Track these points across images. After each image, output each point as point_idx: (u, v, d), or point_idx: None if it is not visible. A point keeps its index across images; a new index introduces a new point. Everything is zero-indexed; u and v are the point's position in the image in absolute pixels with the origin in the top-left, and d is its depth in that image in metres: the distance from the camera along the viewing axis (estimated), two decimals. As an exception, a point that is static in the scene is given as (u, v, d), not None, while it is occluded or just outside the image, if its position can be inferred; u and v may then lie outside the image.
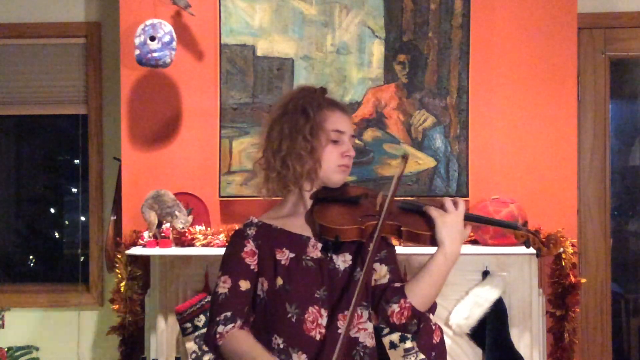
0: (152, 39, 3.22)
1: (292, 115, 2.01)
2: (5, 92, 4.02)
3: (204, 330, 3.18)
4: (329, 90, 2.13)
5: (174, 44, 3.27)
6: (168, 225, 3.25)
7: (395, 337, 3.19)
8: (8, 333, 3.77)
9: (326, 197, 2.03)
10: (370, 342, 2.01)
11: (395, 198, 2.01)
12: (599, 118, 3.83)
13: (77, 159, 4.14)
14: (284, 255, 1.97)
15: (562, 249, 3.27)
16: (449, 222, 1.98)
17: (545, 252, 2.03)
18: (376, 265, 2.05)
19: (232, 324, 1.90)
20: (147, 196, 3.30)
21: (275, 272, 1.96)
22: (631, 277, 4.31)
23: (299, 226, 2.03)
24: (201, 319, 3.22)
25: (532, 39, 3.47)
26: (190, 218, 3.31)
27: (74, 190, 4.30)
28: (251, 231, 2.01)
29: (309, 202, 2.05)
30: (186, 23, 3.49)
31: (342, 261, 2.01)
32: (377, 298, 2.01)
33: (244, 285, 1.95)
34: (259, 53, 3.46)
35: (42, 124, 4.40)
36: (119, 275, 3.39)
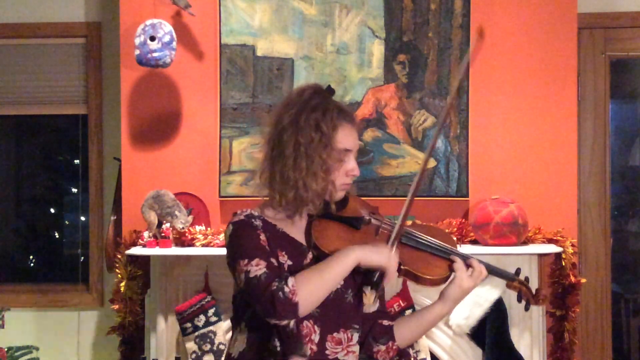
0: (152, 39, 3.22)
1: (306, 131, 1.92)
2: (5, 92, 4.02)
3: (204, 330, 3.20)
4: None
5: (174, 44, 3.27)
6: (168, 225, 3.25)
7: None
8: (8, 333, 3.76)
9: (324, 213, 1.97)
10: None
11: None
12: (599, 118, 3.83)
13: (77, 159, 4.14)
14: (284, 260, 1.92)
15: (562, 249, 3.28)
16: (467, 288, 2.01)
17: (534, 303, 2.06)
18: (367, 290, 1.99)
19: (289, 277, 1.82)
20: (147, 196, 3.30)
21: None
22: (631, 277, 4.31)
23: (297, 233, 1.98)
24: (201, 319, 3.22)
25: (532, 39, 3.47)
26: (190, 218, 3.31)
27: (74, 190, 4.31)
28: (258, 223, 1.93)
29: (305, 213, 1.99)
30: (186, 23, 3.49)
31: None
32: (365, 330, 2.02)
33: (275, 262, 1.88)
34: (259, 53, 3.46)
35: (42, 124, 4.40)
36: (119, 275, 3.39)
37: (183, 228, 3.26)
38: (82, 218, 4.11)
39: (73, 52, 3.98)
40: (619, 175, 4.24)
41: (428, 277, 1.96)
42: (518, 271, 2.09)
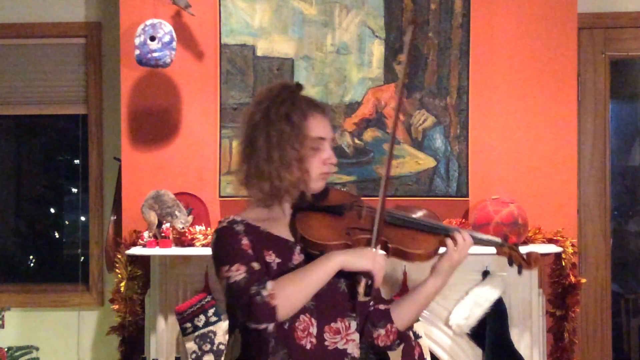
0: (152, 39, 3.22)
1: (277, 123, 1.95)
2: (5, 92, 4.02)
3: (204, 330, 3.20)
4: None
5: (174, 44, 3.27)
6: (168, 225, 3.25)
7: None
8: (8, 333, 3.77)
9: (307, 205, 1.98)
10: (357, 352, 1.99)
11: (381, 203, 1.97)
12: (599, 118, 3.83)
13: (77, 159, 4.14)
14: (272, 259, 1.93)
15: (562, 249, 3.28)
16: (457, 259, 2.01)
17: (527, 267, 2.06)
18: (359, 277, 1.99)
19: (268, 282, 1.83)
20: (147, 196, 3.30)
21: (269, 274, 1.90)
22: (631, 277, 4.31)
23: (282, 230, 1.99)
24: (201, 319, 3.22)
25: (532, 39, 3.47)
26: (190, 218, 3.31)
27: (74, 190, 4.31)
28: (240, 227, 1.95)
29: (287, 208, 2.01)
30: (186, 23, 3.49)
31: None
32: (363, 318, 2.03)
33: (257, 265, 1.88)
34: (259, 53, 3.46)
35: (42, 124, 4.40)
36: (119, 275, 3.39)
37: (183, 228, 3.26)
38: (82, 218, 4.11)
39: (73, 52, 3.98)
40: (619, 175, 4.24)
41: (416, 252, 1.98)
42: (506, 237, 2.10)
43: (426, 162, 3.43)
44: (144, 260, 3.37)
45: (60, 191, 4.56)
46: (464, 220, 3.36)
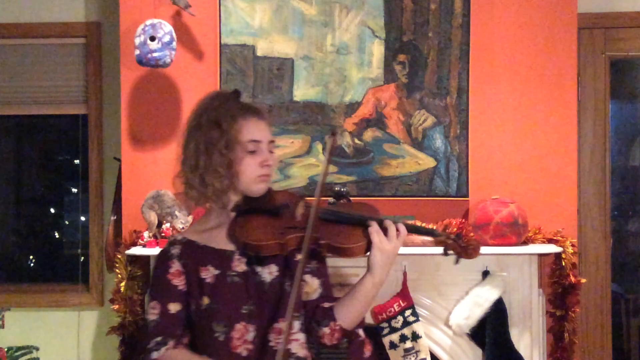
0: (152, 39, 3.22)
1: (207, 130, 1.97)
2: (5, 92, 4.02)
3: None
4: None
5: (174, 44, 3.27)
6: (168, 225, 3.25)
7: (395, 337, 3.20)
8: (8, 333, 3.77)
9: (248, 208, 2.00)
10: (302, 352, 2.01)
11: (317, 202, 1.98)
12: (599, 118, 3.83)
13: (77, 159, 4.14)
14: (209, 274, 1.95)
15: (562, 249, 3.28)
16: (389, 250, 1.95)
17: (465, 256, 2.01)
18: (307, 277, 2.03)
19: (165, 347, 1.90)
20: (147, 196, 3.30)
21: (201, 291, 1.94)
22: (631, 277, 4.31)
23: (223, 239, 2.00)
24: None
25: (532, 39, 3.47)
26: (190, 218, 3.31)
27: (74, 190, 4.31)
28: (175, 250, 1.98)
29: (232, 214, 2.02)
30: (186, 23, 3.49)
31: (268, 273, 1.99)
32: (309, 316, 2.03)
33: (174, 307, 1.93)
34: (259, 53, 3.46)
35: (42, 124, 4.40)
36: (119, 275, 3.39)
37: (183, 228, 3.26)
38: (82, 218, 4.11)
39: (73, 52, 3.98)
40: (619, 175, 4.24)
41: (348, 246, 1.95)
42: (444, 229, 2.09)
43: (426, 162, 3.43)
44: (144, 260, 3.37)
45: (60, 191, 4.56)
46: (464, 221, 3.36)
